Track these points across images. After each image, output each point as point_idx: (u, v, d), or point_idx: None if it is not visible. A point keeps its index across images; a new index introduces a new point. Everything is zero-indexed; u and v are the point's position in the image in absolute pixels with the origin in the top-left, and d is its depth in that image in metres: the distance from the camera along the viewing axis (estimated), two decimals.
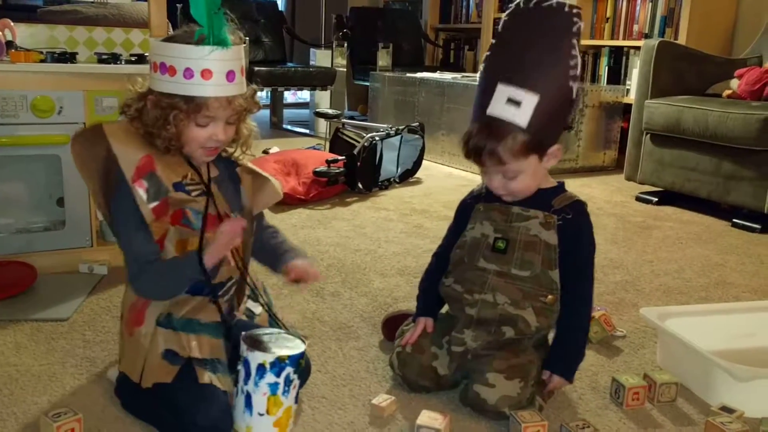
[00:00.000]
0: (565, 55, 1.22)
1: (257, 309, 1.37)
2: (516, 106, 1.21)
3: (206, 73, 1.16)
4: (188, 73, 1.16)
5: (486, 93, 1.25)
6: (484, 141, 1.23)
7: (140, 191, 1.16)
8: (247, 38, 4.45)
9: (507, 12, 1.28)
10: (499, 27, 1.29)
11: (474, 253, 1.34)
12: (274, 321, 1.37)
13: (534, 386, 1.30)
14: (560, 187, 1.35)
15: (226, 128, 1.23)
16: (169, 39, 1.22)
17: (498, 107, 1.23)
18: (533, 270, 1.30)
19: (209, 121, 1.20)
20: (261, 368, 1.11)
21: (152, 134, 1.20)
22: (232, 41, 1.19)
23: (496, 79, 1.24)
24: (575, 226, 1.31)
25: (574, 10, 1.24)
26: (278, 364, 1.12)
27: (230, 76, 1.19)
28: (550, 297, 1.31)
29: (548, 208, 1.31)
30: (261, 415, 1.13)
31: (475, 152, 1.25)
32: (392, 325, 1.56)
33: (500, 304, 1.31)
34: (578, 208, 1.33)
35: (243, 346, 1.13)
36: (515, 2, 1.27)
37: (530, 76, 1.21)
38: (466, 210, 1.41)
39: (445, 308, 1.44)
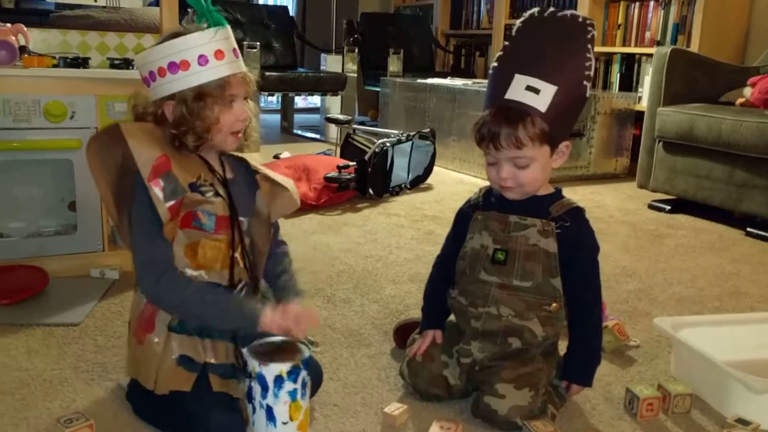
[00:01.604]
0: (580, 55, 1.25)
1: None
2: (535, 92, 1.23)
3: (219, 54, 1.19)
4: (203, 60, 1.18)
5: (502, 82, 1.26)
6: (501, 124, 1.23)
7: (156, 190, 1.16)
8: (258, 43, 4.47)
9: (521, 20, 1.30)
10: (513, 32, 1.30)
11: (475, 266, 1.33)
12: None
13: (545, 395, 1.29)
14: (558, 194, 1.34)
15: (244, 105, 1.25)
16: (161, 42, 1.22)
17: (517, 93, 1.24)
18: (535, 280, 1.29)
19: (233, 98, 1.22)
20: (279, 379, 1.11)
21: (183, 133, 1.20)
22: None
23: (512, 71, 1.25)
24: (574, 235, 1.30)
25: (588, 21, 1.26)
26: (294, 371, 1.12)
27: (235, 52, 1.23)
28: (554, 305, 1.30)
29: (546, 215, 1.30)
30: (285, 423, 1.12)
31: (491, 136, 1.24)
32: (404, 332, 1.56)
33: (504, 316, 1.30)
34: (576, 214, 1.31)
35: (253, 362, 1.13)
36: (529, 12, 1.29)
37: (548, 69, 1.23)
38: (464, 219, 1.40)
39: (453, 316, 1.43)
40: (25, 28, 2.02)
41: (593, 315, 1.35)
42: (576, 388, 1.35)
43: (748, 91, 3.07)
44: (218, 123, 1.21)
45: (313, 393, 1.32)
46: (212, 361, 1.20)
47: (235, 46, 1.24)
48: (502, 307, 1.30)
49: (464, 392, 1.36)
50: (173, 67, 1.18)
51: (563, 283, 1.30)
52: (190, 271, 1.21)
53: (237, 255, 1.26)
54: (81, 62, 2.00)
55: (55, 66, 1.93)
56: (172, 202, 1.17)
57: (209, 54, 1.18)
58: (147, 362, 1.21)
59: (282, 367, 1.11)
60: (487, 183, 1.36)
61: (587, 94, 1.28)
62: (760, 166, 2.67)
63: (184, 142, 1.20)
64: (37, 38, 2.14)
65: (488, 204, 1.36)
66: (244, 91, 1.24)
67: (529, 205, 1.31)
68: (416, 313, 1.75)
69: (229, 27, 1.23)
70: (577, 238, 1.30)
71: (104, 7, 2.79)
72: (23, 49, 1.98)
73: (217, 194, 1.23)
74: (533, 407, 1.25)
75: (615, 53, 4.25)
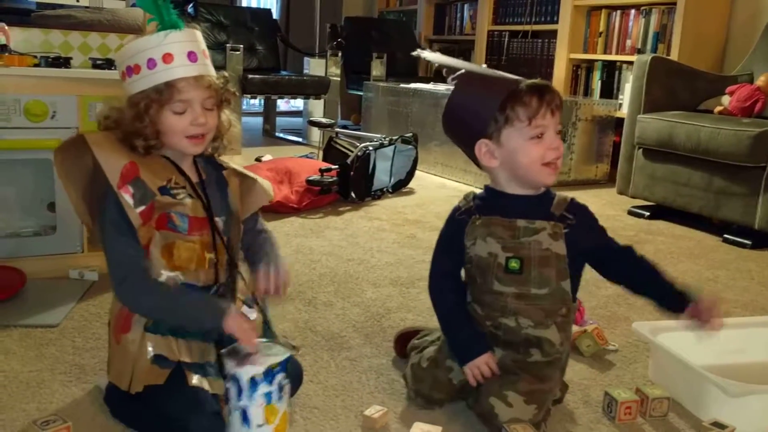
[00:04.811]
0: None
1: (252, 315, 1.36)
2: None
3: (167, 57, 1.17)
4: (151, 63, 1.17)
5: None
6: (547, 86, 1.24)
7: (126, 197, 1.16)
8: (241, 46, 4.46)
9: None
10: None
11: (486, 275, 1.28)
12: (268, 328, 1.36)
13: (545, 413, 1.28)
14: (549, 191, 1.31)
15: (206, 113, 1.21)
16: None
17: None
18: (551, 286, 1.26)
19: (185, 106, 1.19)
20: (253, 381, 1.11)
21: (132, 134, 1.19)
22: (185, 25, 1.21)
23: None
24: (584, 223, 1.28)
25: None
26: (270, 373, 1.12)
27: (191, 56, 1.19)
28: (565, 309, 1.29)
29: (549, 216, 1.27)
30: (260, 426, 1.12)
31: (551, 97, 1.22)
32: (404, 341, 1.55)
33: (524, 327, 1.27)
34: (576, 206, 1.30)
35: (230, 363, 1.13)
36: None
37: None
38: (460, 228, 1.31)
39: None
40: (6, 27, 2.01)
41: (642, 258, 1.31)
42: (708, 301, 1.26)
43: (726, 100, 3.11)
44: (166, 127, 1.19)
45: (292, 393, 1.32)
46: (186, 360, 1.20)
47: (192, 49, 1.19)
48: (521, 318, 1.27)
49: (466, 390, 1.33)
50: (129, 70, 1.19)
51: (601, 269, 1.31)
52: (166, 273, 1.21)
53: (216, 255, 1.26)
54: (63, 62, 1.99)
55: (36, 65, 1.92)
56: (142, 208, 1.17)
57: (157, 58, 1.17)
58: (123, 362, 1.21)
59: (257, 370, 1.11)
60: (470, 188, 1.35)
61: None
62: (737, 173, 2.70)
63: (135, 146, 1.19)
64: (18, 37, 2.12)
65: (484, 209, 1.30)
66: (201, 96, 1.20)
67: (531, 206, 1.28)
68: (397, 316, 1.77)
69: (190, 31, 1.21)
70: (588, 224, 1.29)
71: (87, 7, 2.77)
72: (4, 48, 1.96)
73: (189, 196, 1.23)
74: (532, 422, 1.23)
75: (596, 60, 4.29)
